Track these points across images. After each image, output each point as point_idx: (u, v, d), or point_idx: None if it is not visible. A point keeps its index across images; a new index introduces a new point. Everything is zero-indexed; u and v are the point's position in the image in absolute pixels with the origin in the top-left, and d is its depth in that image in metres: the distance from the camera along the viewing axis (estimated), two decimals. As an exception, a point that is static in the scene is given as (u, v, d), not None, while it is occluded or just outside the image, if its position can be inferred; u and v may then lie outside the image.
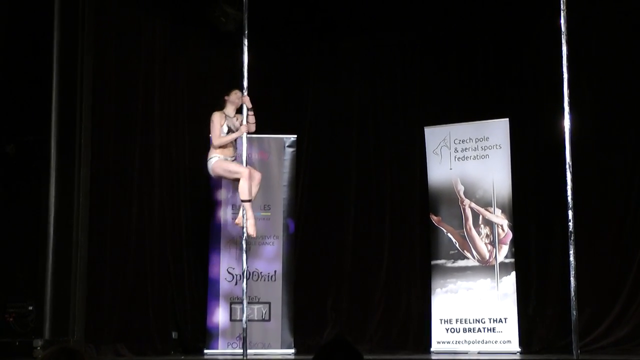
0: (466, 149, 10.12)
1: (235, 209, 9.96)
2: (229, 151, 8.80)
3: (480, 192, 9.92)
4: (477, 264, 9.83)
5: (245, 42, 8.37)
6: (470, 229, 9.88)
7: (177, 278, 10.32)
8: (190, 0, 10.03)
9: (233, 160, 8.81)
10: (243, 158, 8.68)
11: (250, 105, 8.67)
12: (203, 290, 10.41)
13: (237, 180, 8.73)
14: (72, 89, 9.07)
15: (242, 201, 8.65)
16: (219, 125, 8.71)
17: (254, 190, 8.83)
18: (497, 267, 9.70)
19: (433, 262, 10.16)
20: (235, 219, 9.18)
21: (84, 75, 9.15)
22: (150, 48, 10.21)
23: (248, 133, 8.73)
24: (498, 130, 9.96)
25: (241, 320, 8.48)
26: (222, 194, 10.30)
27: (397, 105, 11.44)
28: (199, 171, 10.48)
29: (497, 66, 10.80)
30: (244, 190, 8.63)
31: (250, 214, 8.60)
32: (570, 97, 7.18)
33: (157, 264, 10.06)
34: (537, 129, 10.12)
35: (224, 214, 10.29)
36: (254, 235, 8.80)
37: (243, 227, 8.53)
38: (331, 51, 11.87)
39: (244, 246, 8.44)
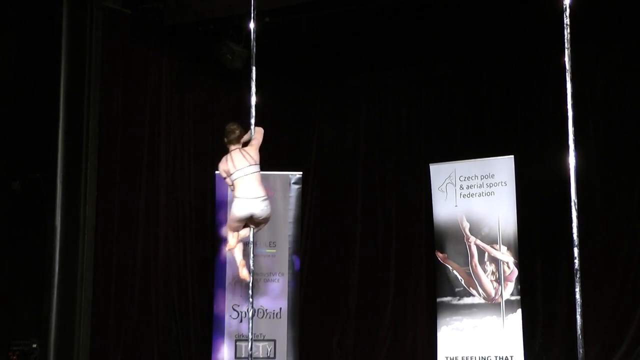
0: (471, 186, 10.11)
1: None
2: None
3: (485, 229, 9.89)
4: (482, 301, 9.79)
5: (254, 76, 8.11)
6: (475, 266, 9.85)
7: (182, 315, 10.28)
8: (197, 38, 10.07)
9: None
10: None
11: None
12: (208, 328, 10.36)
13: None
14: (78, 126, 9.12)
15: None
16: None
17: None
18: (503, 305, 9.65)
19: (439, 300, 10.11)
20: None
21: (91, 113, 9.21)
22: (156, 86, 10.23)
23: None
24: (503, 167, 9.95)
25: (246, 358, 8.42)
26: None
27: (402, 142, 11.47)
28: (204, 209, 10.51)
29: (502, 103, 10.83)
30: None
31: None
32: (575, 134, 7.15)
33: (162, 301, 10.02)
34: (543, 166, 10.11)
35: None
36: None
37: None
38: (337, 89, 11.93)
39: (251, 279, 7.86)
